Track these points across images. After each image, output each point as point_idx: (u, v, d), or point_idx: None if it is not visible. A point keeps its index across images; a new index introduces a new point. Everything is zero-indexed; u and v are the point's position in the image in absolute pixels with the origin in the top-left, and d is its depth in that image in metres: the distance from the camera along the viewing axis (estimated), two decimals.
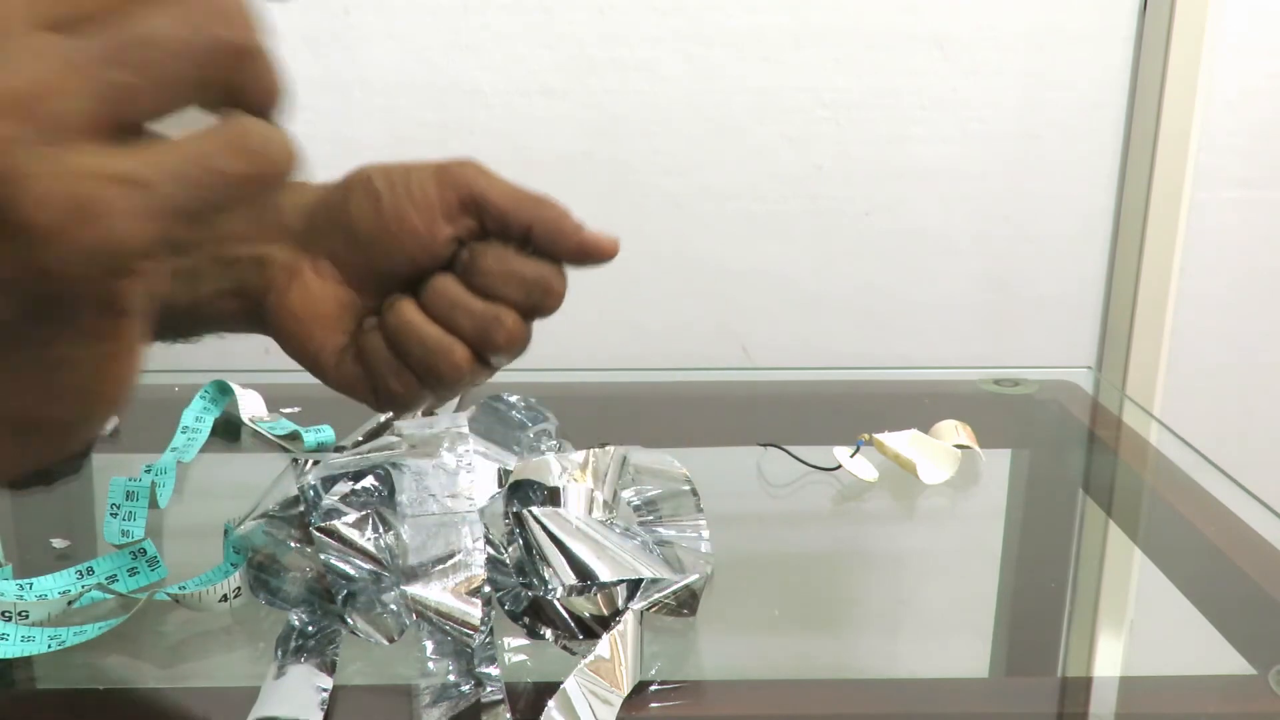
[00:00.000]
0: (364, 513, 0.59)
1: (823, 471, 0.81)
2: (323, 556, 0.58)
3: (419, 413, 0.76)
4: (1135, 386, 1.22)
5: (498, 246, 0.57)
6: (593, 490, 0.63)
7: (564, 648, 0.59)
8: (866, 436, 0.82)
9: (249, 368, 1.16)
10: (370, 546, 0.58)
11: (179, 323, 0.62)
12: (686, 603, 0.61)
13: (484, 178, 0.58)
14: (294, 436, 0.86)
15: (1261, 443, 1.28)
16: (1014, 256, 1.23)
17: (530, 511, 0.60)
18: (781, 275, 1.23)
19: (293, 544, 0.59)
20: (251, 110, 0.31)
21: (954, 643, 0.66)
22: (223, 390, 0.89)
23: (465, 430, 0.65)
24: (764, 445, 0.84)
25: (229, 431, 0.88)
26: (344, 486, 0.61)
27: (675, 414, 0.98)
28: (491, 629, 0.58)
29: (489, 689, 0.55)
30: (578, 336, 1.24)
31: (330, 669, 0.57)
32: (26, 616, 0.58)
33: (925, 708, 0.59)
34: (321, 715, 0.54)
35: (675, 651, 0.61)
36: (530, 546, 0.59)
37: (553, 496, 0.62)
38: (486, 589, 0.58)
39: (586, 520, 0.61)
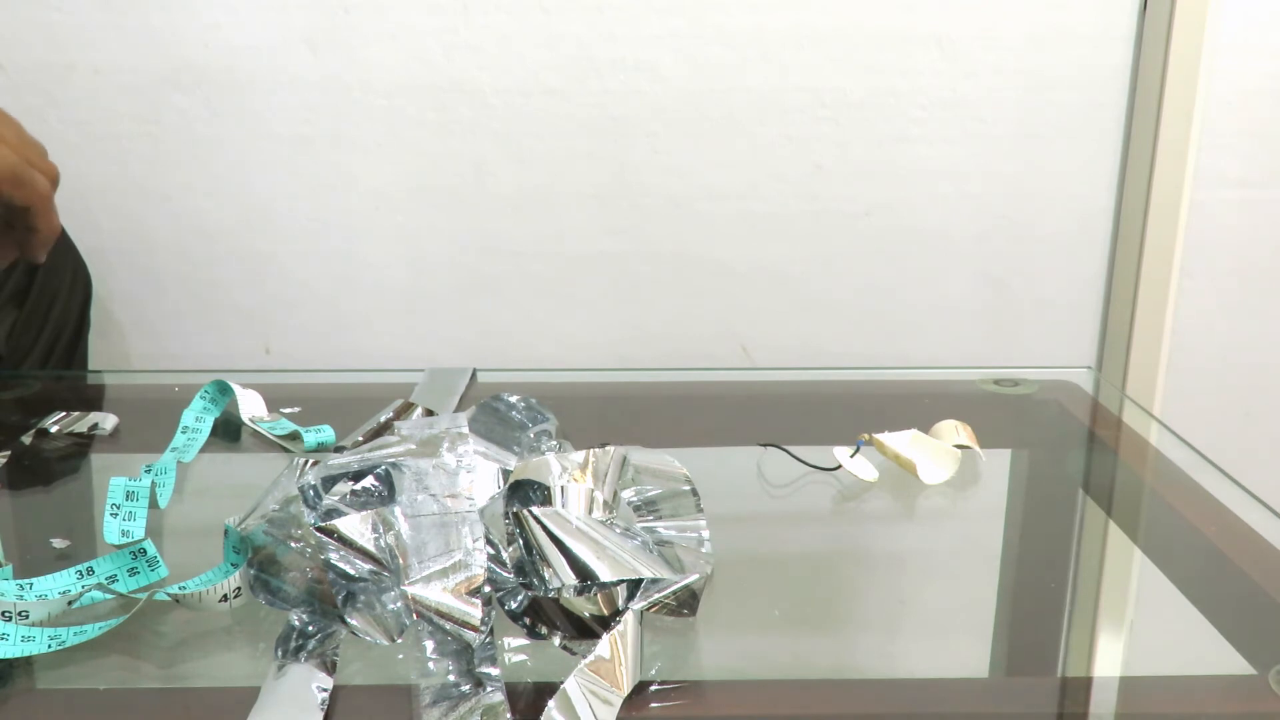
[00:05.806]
0: (364, 513, 0.59)
1: (823, 471, 0.81)
2: (323, 556, 0.58)
3: (419, 412, 0.76)
4: (1135, 386, 1.22)
5: None
6: (593, 490, 0.63)
7: (564, 648, 0.59)
8: (866, 436, 0.82)
9: (249, 368, 1.17)
10: (370, 546, 0.58)
11: None
12: (686, 603, 0.61)
13: None
14: (294, 436, 0.86)
15: (1261, 443, 1.28)
16: (1014, 257, 1.23)
17: (530, 511, 0.60)
18: (781, 275, 1.23)
19: (293, 544, 0.59)
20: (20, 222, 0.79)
21: (954, 643, 0.66)
22: (223, 390, 0.89)
23: (465, 430, 0.65)
24: (764, 445, 0.85)
25: (229, 431, 0.88)
26: (344, 486, 0.61)
27: (675, 414, 0.98)
28: (491, 629, 0.58)
29: (489, 689, 0.55)
30: (578, 336, 1.24)
31: (330, 669, 0.57)
32: (26, 616, 0.58)
33: (925, 708, 0.58)
34: (321, 715, 0.54)
35: (675, 651, 0.61)
36: (530, 546, 0.59)
37: (552, 497, 0.62)
38: (486, 589, 0.58)
39: (586, 520, 0.61)
